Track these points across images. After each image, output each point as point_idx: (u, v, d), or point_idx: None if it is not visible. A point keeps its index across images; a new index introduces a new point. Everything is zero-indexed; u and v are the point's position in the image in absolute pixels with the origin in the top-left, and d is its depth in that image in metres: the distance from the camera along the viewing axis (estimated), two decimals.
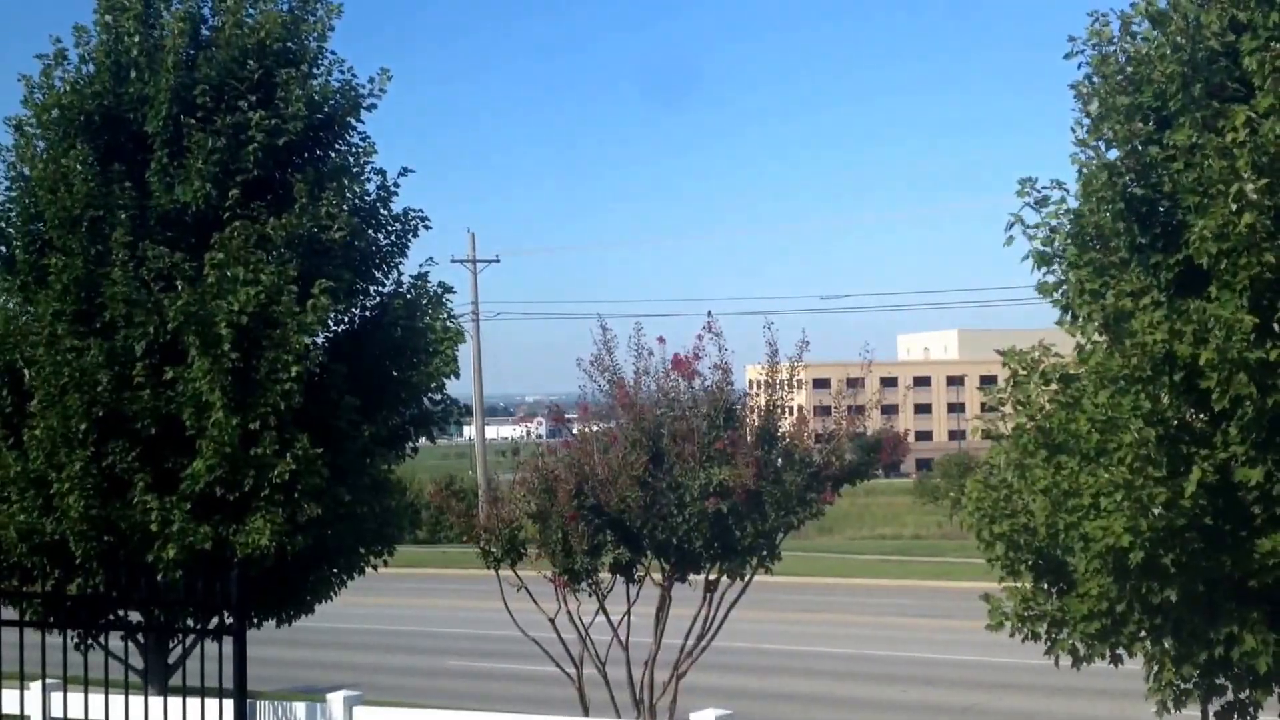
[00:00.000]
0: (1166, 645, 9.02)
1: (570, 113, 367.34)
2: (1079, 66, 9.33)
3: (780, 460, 14.29)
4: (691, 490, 13.63)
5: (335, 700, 9.70)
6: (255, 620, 13.32)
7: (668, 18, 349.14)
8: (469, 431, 53.67)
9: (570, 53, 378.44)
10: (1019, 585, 9.82)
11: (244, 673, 8.39)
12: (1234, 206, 8.07)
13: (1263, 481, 8.23)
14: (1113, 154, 9.12)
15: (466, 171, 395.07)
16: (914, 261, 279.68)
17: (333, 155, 13.91)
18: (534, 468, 14.28)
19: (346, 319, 13.95)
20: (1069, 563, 9.16)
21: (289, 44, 13.69)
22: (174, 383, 12.29)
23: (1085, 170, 9.25)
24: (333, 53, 13.96)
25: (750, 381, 15.19)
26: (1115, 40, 9.24)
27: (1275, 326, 8.11)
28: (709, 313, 14.53)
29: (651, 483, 13.83)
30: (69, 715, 9.34)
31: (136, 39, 13.44)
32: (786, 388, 14.66)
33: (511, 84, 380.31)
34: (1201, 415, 8.58)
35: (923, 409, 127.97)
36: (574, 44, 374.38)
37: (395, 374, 13.73)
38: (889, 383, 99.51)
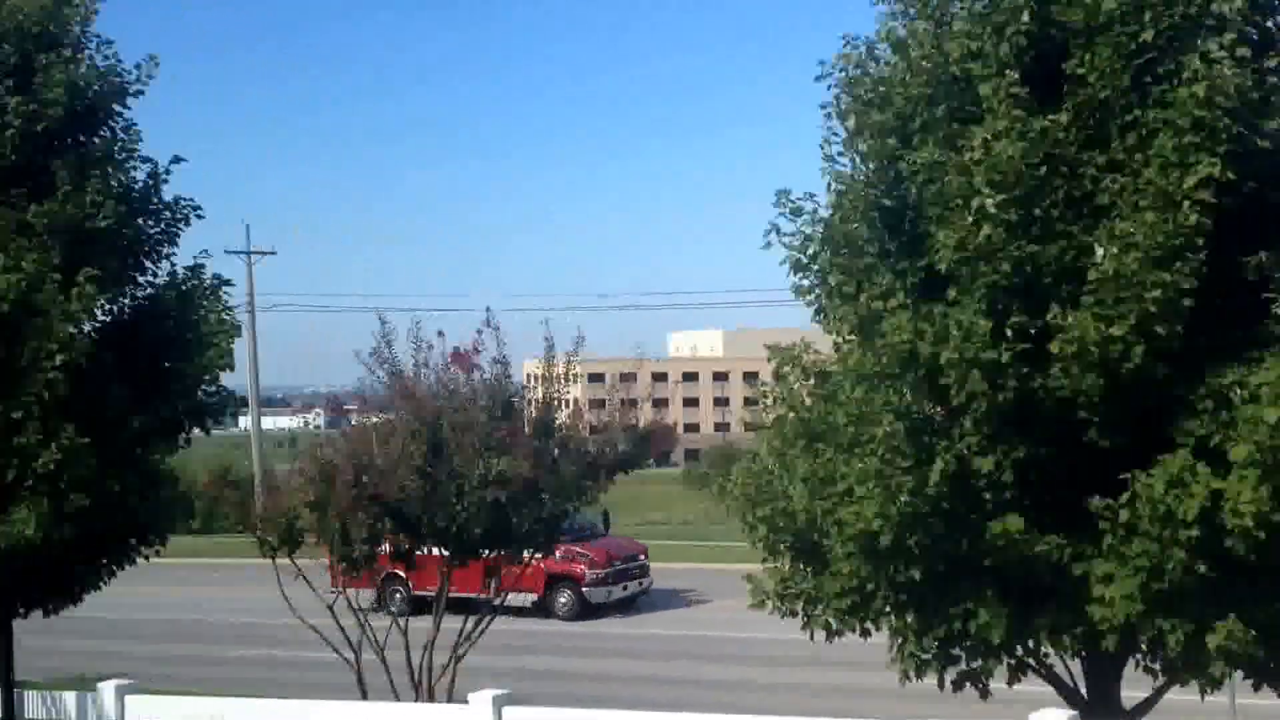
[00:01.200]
0: (909, 620, 9.76)
1: (351, 106, 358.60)
2: (829, 88, 10.06)
3: (557, 451, 14.76)
4: (471, 480, 13.95)
5: (106, 689, 9.66)
6: (22, 611, 13.04)
7: (455, 29, 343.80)
8: (245, 422, 52.54)
9: (346, 48, 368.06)
10: (778, 566, 10.49)
11: (10, 664, 8.34)
12: (972, 219, 8.82)
13: (993, 470, 9.01)
14: (864, 168, 9.85)
15: (248, 161, 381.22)
16: (686, 263, 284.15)
17: (97, 142, 13.64)
18: (312, 457, 14.39)
19: (116, 308, 13.71)
20: (824, 545, 9.83)
21: (50, 28, 13.35)
22: None
23: (837, 183, 9.96)
24: (98, 37, 13.68)
25: (528, 375, 15.60)
26: (862, 64, 10.00)
27: (1008, 331, 8.86)
28: (488, 308, 14.91)
29: (431, 472, 14.09)
30: None
31: None
32: (563, 381, 15.12)
33: (295, 87, 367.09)
34: (940, 410, 9.33)
35: (691, 403, 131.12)
36: (349, 35, 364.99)
37: (168, 365, 13.56)
38: (660, 378, 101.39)
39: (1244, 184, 8.54)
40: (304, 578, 14.19)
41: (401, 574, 28.07)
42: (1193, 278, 8.37)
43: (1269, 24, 8.98)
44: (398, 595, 29.29)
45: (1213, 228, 8.43)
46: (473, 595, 15.25)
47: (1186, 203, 8.35)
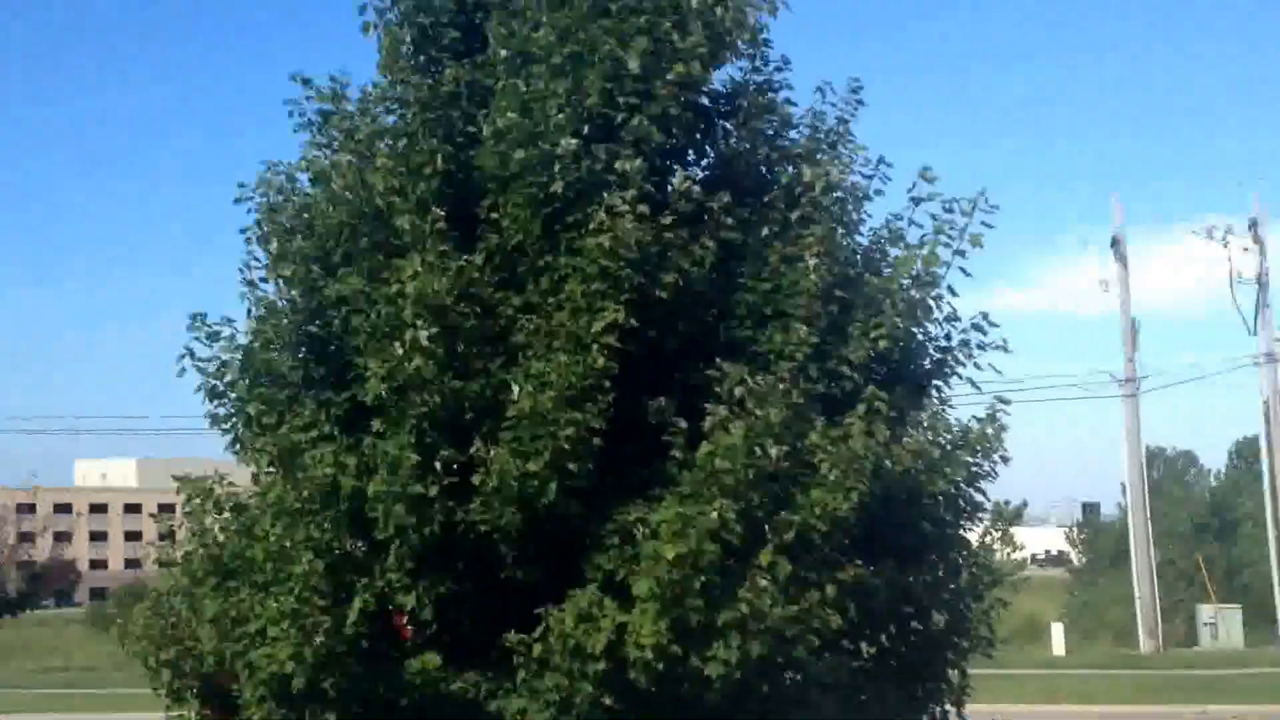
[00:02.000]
0: None
1: None
2: (248, 211, 9.87)
3: None
4: None
5: None
6: None
7: None
8: None
9: None
10: (184, 714, 9.83)
11: None
12: (403, 350, 8.80)
13: (414, 606, 8.95)
14: (288, 295, 9.65)
15: None
16: (97, 385, 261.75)
17: None
18: None
19: None
20: (234, 689, 9.30)
21: None
22: None
23: (258, 309, 9.71)
24: None
25: None
26: (284, 190, 9.88)
27: (436, 464, 8.88)
28: None
29: None
30: None
31: None
32: None
33: None
34: (362, 545, 9.17)
35: (99, 537, 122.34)
36: None
37: None
38: (64, 509, 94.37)
39: (646, 331, 9.12)
40: None
41: None
42: (601, 418, 8.76)
43: (667, 185, 9.73)
44: None
45: (619, 371, 8.91)
46: None
47: (595, 346, 8.75)
